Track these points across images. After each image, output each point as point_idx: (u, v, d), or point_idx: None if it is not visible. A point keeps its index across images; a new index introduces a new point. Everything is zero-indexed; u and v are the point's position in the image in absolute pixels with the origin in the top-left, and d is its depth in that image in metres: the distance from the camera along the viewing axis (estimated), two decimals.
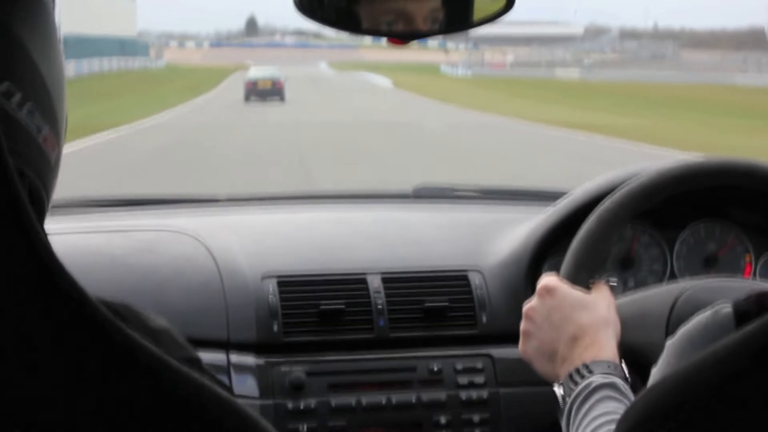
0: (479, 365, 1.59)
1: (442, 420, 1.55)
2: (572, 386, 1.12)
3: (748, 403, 0.65)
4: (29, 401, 0.50)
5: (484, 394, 1.58)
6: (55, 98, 0.63)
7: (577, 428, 1.08)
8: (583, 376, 1.12)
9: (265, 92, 33.24)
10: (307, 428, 1.51)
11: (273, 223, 1.85)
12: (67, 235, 1.67)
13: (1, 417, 0.50)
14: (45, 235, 0.52)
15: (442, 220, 1.90)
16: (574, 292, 1.22)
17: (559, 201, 1.68)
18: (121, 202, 2.00)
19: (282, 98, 32.90)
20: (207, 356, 1.50)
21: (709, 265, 1.67)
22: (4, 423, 0.50)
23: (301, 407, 1.51)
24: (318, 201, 2.11)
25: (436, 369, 1.58)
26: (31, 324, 0.50)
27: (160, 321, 0.66)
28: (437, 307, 1.61)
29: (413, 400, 1.55)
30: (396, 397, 1.55)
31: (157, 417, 0.52)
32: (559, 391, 1.15)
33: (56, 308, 0.51)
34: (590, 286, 1.27)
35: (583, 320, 1.18)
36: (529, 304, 1.24)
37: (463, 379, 1.58)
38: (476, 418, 1.56)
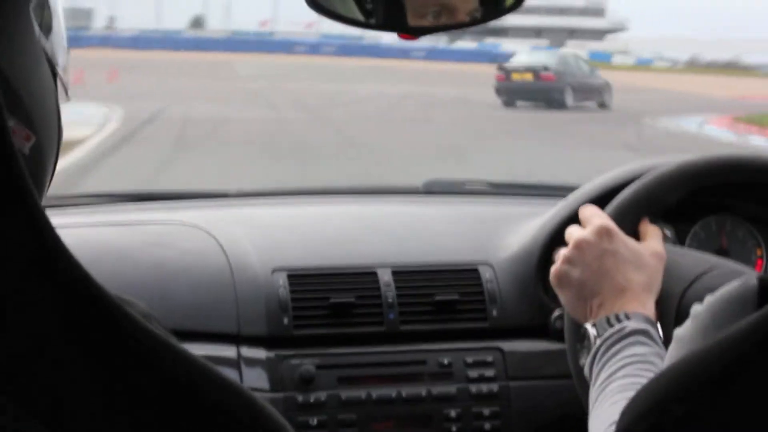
0: (489, 359, 1.59)
1: (452, 413, 1.55)
2: (606, 327, 1.16)
3: (756, 390, 0.65)
4: (32, 381, 0.50)
5: (495, 387, 1.57)
6: (24, 93, 0.65)
7: (602, 366, 1.12)
8: (620, 321, 1.16)
9: (526, 90, 18.70)
10: (317, 422, 1.50)
11: (283, 217, 1.85)
12: (76, 229, 1.67)
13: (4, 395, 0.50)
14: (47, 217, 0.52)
15: (453, 214, 1.89)
16: (633, 245, 1.24)
17: (569, 195, 1.67)
18: (130, 196, 2.00)
19: (563, 104, 18.15)
20: (217, 350, 1.51)
21: None
22: (11, 398, 0.50)
23: (311, 401, 1.51)
24: (328, 196, 2.10)
25: (446, 362, 1.57)
26: (33, 306, 0.50)
27: (143, 306, 0.66)
28: (447, 300, 1.60)
29: (423, 394, 1.55)
30: (406, 390, 1.55)
31: (162, 400, 0.52)
32: (592, 330, 1.18)
33: (59, 290, 0.51)
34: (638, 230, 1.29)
35: (634, 278, 1.21)
36: (583, 236, 1.24)
37: (473, 373, 1.57)
38: (486, 411, 1.56)
